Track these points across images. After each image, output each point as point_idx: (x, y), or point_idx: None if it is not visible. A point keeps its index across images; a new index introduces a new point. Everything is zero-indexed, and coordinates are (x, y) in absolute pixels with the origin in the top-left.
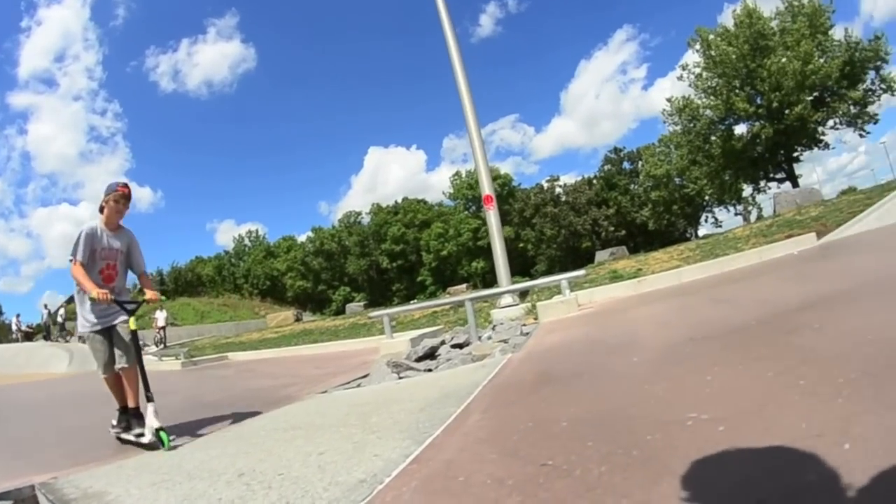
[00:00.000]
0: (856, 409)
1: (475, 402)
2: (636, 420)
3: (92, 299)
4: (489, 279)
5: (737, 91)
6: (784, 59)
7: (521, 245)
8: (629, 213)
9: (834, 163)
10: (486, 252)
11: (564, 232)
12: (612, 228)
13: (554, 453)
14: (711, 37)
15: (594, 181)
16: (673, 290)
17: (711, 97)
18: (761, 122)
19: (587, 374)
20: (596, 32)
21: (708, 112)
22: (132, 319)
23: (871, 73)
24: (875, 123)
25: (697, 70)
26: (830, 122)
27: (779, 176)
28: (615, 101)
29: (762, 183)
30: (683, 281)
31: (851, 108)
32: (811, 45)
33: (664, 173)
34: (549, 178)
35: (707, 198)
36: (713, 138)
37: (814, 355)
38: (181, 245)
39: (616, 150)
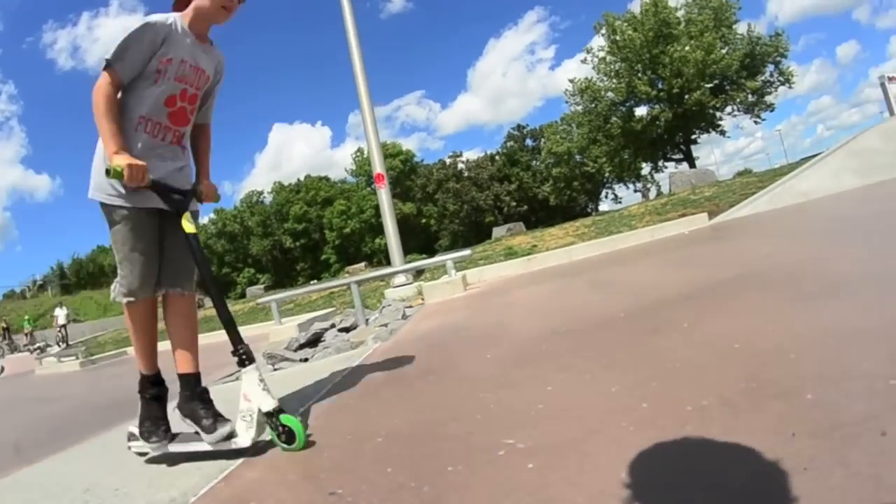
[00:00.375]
0: (694, 451)
1: (314, 405)
2: (451, 441)
3: (109, 172)
4: None
5: (639, 75)
6: (687, 48)
7: (424, 221)
8: (531, 188)
9: (731, 146)
10: None
11: (467, 207)
12: (513, 203)
13: (349, 479)
14: (618, 22)
15: (496, 157)
16: (561, 269)
17: (614, 80)
18: (661, 106)
19: (435, 372)
20: (507, 12)
21: (610, 94)
22: (186, 220)
23: (770, 67)
24: (771, 111)
25: (602, 54)
26: (728, 109)
27: (676, 157)
28: (522, 79)
29: (660, 162)
30: (573, 259)
31: (749, 96)
32: (714, 37)
33: (565, 151)
34: (451, 153)
35: (607, 175)
36: (614, 119)
37: (670, 367)
38: (82, 235)
39: (519, 128)
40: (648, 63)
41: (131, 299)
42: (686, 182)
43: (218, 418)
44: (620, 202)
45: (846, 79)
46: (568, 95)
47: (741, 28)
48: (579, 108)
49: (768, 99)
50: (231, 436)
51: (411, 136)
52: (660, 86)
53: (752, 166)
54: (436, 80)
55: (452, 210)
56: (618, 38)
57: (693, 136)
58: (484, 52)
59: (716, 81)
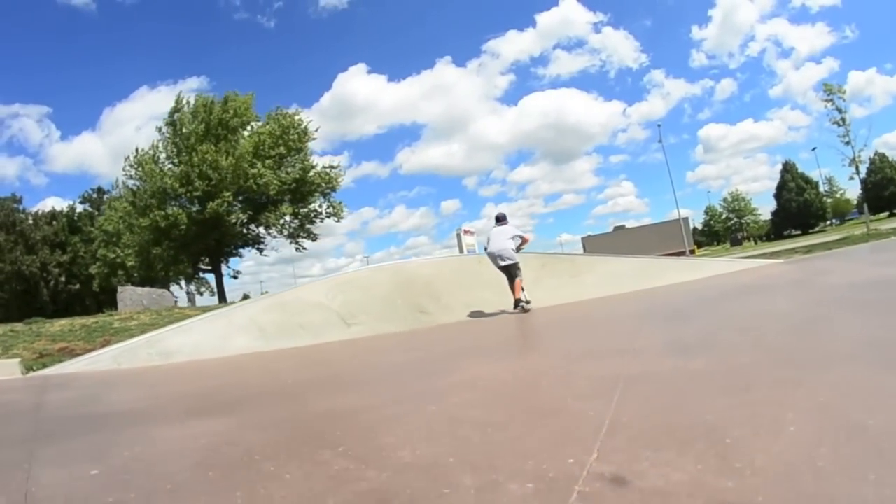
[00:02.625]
0: None
1: None
2: None
3: None
4: None
5: (180, 167)
6: (221, 155)
7: None
8: (86, 266)
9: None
10: None
11: (9, 269)
12: (62, 279)
13: None
14: (185, 102)
15: (59, 217)
16: None
17: (173, 164)
18: (180, 207)
19: None
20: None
21: (167, 180)
22: None
23: (321, 198)
24: (312, 241)
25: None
26: (262, 229)
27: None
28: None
29: (199, 268)
30: None
31: (290, 221)
32: (255, 151)
33: (115, 231)
34: (11, 195)
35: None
36: (157, 210)
37: None
38: None
39: (100, 190)
40: (187, 157)
41: None
42: (137, 302)
43: None
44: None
45: (443, 226)
46: (126, 163)
47: (320, 159)
48: (132, 182)
49: (314, 228)
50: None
51: (16, 156)
52: (191, 186)
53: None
54: (69, 103)
55: (0, 268)
56: (176, 118)
57: (229, 249)
58: (132, 96)
59: (245, 196)
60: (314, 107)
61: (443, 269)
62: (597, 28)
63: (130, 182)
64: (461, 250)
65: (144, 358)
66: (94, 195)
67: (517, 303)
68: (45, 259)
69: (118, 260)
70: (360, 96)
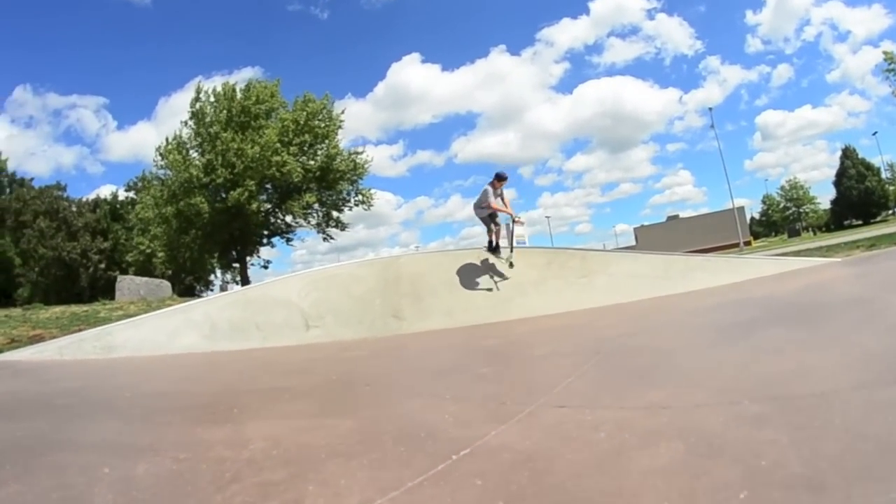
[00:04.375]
0: None
1: None
2: None
3: None
4: None
5: (204, 156)
6: (250, 142)
7: (9, 255)
8: (125, 252)
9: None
10: None
11: (50, 255)
12: (102, 266)
13: None
14: (204, 92)
15: (102, 204)
16: None
17: (198, 153)
18: (204, 196)
19: None
20: None
21: (191, 170)
22: None
23: (348, 186)
24: (341, 230)
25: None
26: (290, 218)
27: (247, 256)
28: None
29: (230, 258)
30: None
31: (315, 210)
32: (281, 137)
33: (148, 219)
34: (56, 183)
35: (162, 260)
36: (186, 201)
37: None
38: None
39: (144, 178)
40: (210, 146)
41: None
42: (135, 291)
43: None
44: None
45: None
46: (157, 153)
47: (344, 143)
48: (162, 172)
49: (343, 217)
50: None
51: (73, 146)
52: (217, 173)
53: None
54: (125, 95)
55: (42, 253)
56: (198, 108)
57: (256, 238)
58: (187, 86)
59: (271, 185)
60: (368, 96)
61: (437, 266)
62: (650, 14)
63: (161, 172)
64: (510, 241)
65: (89, 350)
66: (139, 183)
67: (489, 244)
68: (85, 245)
69: (145, 249)
70: (415, 85)
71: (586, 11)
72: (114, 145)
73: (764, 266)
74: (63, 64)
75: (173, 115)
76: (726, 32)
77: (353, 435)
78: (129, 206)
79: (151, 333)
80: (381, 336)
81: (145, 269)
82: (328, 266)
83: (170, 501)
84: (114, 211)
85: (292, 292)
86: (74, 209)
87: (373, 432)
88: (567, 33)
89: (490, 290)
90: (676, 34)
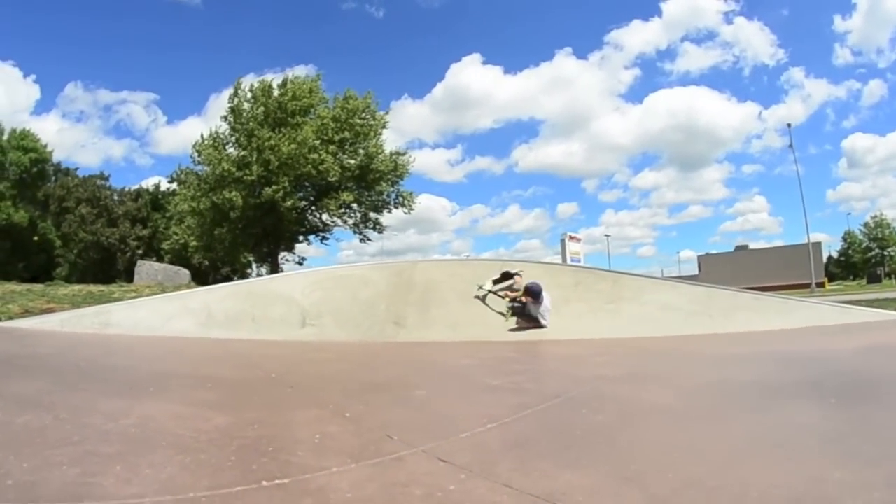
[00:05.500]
0: None
1: None
2: None
3: None
4: None
5: (240, 152)
6: (288, 139)
7: (37, 238)
8: (163, 241)
9: None
10: None
11: (89, 239)
12: (140, 252)
13: None
14: (243, 88)
15: (144, 194)
16: None
17: (234, 148)
18: (239, 192)
19: None
20: None
21: (224, 164)
22: None
23: (389, 188)
24: (379, 232)
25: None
26: (325, 216)
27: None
28: None
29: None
30: None
31: (353, 210)
32: (319, 135)
33: (185, 210)
34: (100, 174)
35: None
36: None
37: None
38: None
39: (187, 171)
40: (247, 140)
41: None
42: (153, 276)
43: None
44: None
45: (558, 230)
46: (193, 149)
47: (390, 144)
48: (200, 167)
49: (382, 219)
50: None
51: (123, 139)
52: (252, 169)
53: None
54: (176, 91)
55: (81, 237)
56: (235, 104)
57: (291, 235)
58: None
59: (310, 183)
60: (426, 98)
61: (453, 276)
62: (728, 18)
63: (198, 168)
64: (563, 259)
65: (87, 325)
66: (182, 175)
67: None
68: (124, 232)
69: (180, 239)
70: (475, 88)
71: (658, 13)
72: (163, 139)
73: (825, 313)
74: (114, 62)
75: (222, 110)
76: (812, 40)
77: (211, 432)
78: (171, 197)
79: (148, 315)
80: (374, 342)
81: (181, 257)
82: (341, 266)
83: (10, 445)
84: (155, 201)
85: (296, 289)
86: (116, 198)
87: (230, 434)
88: (637, 36)
89: (507, 307)
90: (756, 41)
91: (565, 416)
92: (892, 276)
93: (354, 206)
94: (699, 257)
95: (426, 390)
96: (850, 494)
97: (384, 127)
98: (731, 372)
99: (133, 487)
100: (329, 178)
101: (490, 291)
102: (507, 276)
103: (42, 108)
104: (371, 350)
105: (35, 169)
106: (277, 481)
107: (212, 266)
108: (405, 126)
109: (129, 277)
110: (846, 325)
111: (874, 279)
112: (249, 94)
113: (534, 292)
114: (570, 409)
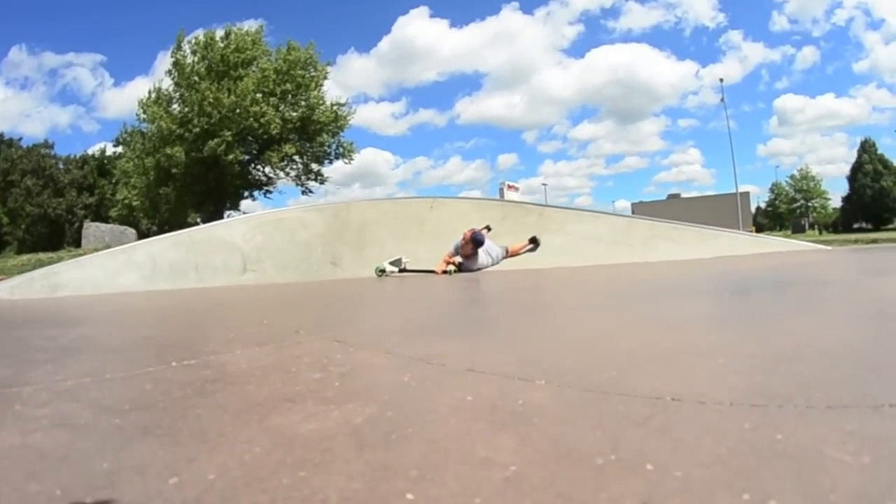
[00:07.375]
0: None
1: None
2: None
3: None
4: None
5: (179, 108)
6: (227, 91)
7: None
8: (111, 206)
9: None
10: None
11: (37, 212)
12: (88, 220)
13: None
14: (185, 42)
15: (90, 160)
16: None
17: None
18: (178, 147)
19: None
20: None
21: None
22: None
23: (329, 138)
24: (321, 183)
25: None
26: (268, 169)
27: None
28: None
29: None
30: None
31: (295, 162)
32: (258, 88)
33: (129, 171)
34: (44, 142)
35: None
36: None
37: None
38: None
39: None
40: (190, 97)
41: None
42: (100, 238)
43: None
44: None
45: (498, 180)
46: (138, 106)
47: (330, 94)
48: (144, 126)
49: (325, 171)
50: None
51: (69, 105)
52: (190, 125)
53: None
54: (122, 51)
55: (28, 211)
56: (178, 58)
57: (234, 191)
58: (187, 39)
59: (248, 135)
60: (372, 52)
61: (387, 215)
62: None
63: (143, 126)
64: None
65: (38, 290)
66: (126, 137)
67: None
68: (71, 202)
69: (126, 202)
70: (421, 41)
71: None
72: (110, 103)
73: (741, 243)
74: (59, 22)
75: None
76: (752, 7)
77: (137, 340)
78: (117, 161)
79: (95, 273)
80: (311, 281)
81: (128, 222)
82: (280, 209)
83: None
84: (101, 166)
85: (237, 235)
86: (61, 166)
87: (156, 341)
88: None
89: (434, 242)
90: (698, 3)
91: (465, 310)
92: (816, 226)
93: (297, 157)
94: (632, 205)
95: (346, 307)
96: (720, 350)
97: (325, 78)
98: (641, 285)
99: (58, 376)
100: (271, 131)
101: (389, 273)
102: (397, 262)
103: None
104: (307, 288)
105: None
106: (185, 362)
107: (160, 231)
108: (351, 80)
109: (78, 245)
110: (761, 254)
111: (798, 229)
112: (193, 48)
113: (476, 240)
114: (470, 307)
